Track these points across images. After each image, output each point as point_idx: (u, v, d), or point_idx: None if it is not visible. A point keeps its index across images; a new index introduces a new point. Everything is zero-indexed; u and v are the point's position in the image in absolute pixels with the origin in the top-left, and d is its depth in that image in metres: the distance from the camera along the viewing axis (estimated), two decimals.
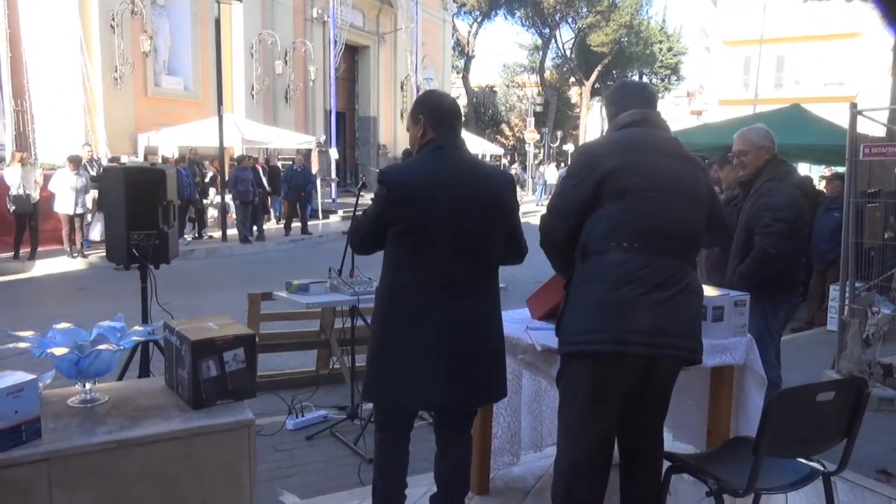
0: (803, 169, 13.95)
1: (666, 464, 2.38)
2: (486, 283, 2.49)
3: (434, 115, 2.49)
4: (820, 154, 8.94)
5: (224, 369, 2.21)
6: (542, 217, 2.40)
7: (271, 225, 15.77)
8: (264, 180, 14.16)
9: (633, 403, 2.29)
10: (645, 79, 44.86)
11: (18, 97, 14.31)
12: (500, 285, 3.98)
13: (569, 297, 2.28)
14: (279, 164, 16.56)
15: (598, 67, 41.66)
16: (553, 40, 43.28)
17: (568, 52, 44.34)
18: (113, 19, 14.92)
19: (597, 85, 44.55)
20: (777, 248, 3.32)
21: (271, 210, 16.25)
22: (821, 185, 8.65)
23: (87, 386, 2.21)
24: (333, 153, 19.08)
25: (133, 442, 1.99)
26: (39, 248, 10.90)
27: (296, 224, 14.89)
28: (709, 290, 2.85)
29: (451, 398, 2.44)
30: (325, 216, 17.39)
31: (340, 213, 18.01)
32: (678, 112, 45.22)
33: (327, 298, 3.68)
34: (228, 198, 13.64)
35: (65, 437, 1.95)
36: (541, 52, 43.74)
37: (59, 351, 2.08)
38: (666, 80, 45.01)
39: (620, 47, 41.61)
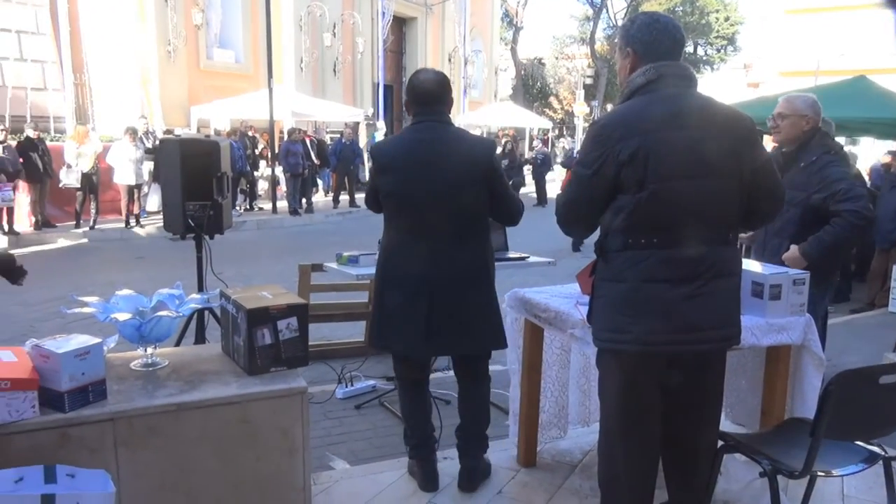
0: (866, 144, 13.37)
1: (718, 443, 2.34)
2: (466, 241, 2.71)
3: (412, 93, 2.77)
4: (886, 128, 8.53)
5: (278, 337, 2.26)
6: (558, 206, 2.21)
7: (319, 197, 15.95)
8: (313, 153, 14.29)
9: (673, 397, 2.17)
10: (700, 50, 43.51)
11: (77, 71, 14.73)
12: (548, 260, 4.01)
13: (595, 290, 2.18)
14: (327, 137, 16.68)
15: None
16: (605, 10, 42.21)
17: (619, 22, 43.17)
18: None
19: None
20: (869, 210, 3.20)
21: (319, 182, 16.42)
22: (887, 160, 8.26)
23: (149, 350, 2.30)
24: (381, 126, 19.13)
25: (192, 405, 2.06)
26: (99, 218, 11.29)
27: (344, 197, 15.03)
28: (760, 267, 2.77)
29: (430, 349, 2.82)
30: None
31: None
32: (735, 84, 43.70)
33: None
34: (279, 170, 13.82)
35: (128, 399, 2.03)
36: (592, 23, 42.74)
37: (122, 316, 2.16)
38: (722, 50, 43.54)
39: (675, 17, 40.25)
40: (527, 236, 2.96)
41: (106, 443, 1.96)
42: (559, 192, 2.38)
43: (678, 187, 1.97)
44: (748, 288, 2.58)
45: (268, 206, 13.84)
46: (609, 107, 40.94)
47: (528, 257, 3.89)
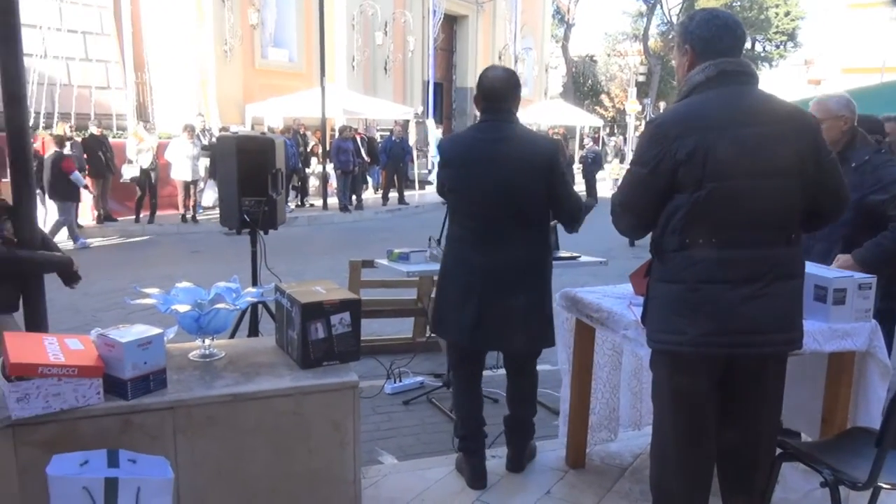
0: None
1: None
2: (521, 239, 2.75)
3: (481, 90, 2.83)
4: None
5: (331, 332, 2.29)
6: (614, 206, 2.19)
7: (369, 194, 16.11)
8: (363, 151, 14.44)
9: (730, 402, 2.10)
10: (758, 46, 42.29)
11: (139, 70, 15.22)
12: (600, 260, 3.96)
13: (650, 290, 2.13)
14: (377, 134, 16.83)
15: None
16: (659, 6, 41.38)
17: (675, 19, 42.29)
18: None
19: None
20: None
21: (369, 180, 16.59)
22: None
23: (206, 342, 2.35)
24: (430, 124, 19.20)
25: (248, 396, 2.10)
26: (157, 213, 11.64)
27: (393, 194, 15.15)
28: (826, 271, 2.67)
29: (477, 342, 2.85)
30: (422, 187, 17.58)
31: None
32: (795, 81, 42.34)
33: (427, 267, 3.72)
34: (330, 167, 14.02)
35: (187, 389, 2.09)
36: (645, 19, 41.98)
37: (182, 308, 2.22)
38: (781, 46, 42.22)
39: (732, 12, 39.21)
40: (577, 235, 2.93)
41: (165, 430, 2.02)
42: (614, 191, 2.37)
43: (739, 186, 1.92)
44: (811, 291, 2.50)
45: (318, 202, 14.05)
46: (662, 105, 40.16)
47: (579, 257, 3.85)
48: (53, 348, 1.96)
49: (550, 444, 3.21)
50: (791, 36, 41.91)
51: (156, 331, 2.06)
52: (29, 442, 1.88)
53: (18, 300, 3.17)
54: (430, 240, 3.82)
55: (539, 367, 3.03)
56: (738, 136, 1.92)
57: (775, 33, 41.29)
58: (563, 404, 3.10)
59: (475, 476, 2.88)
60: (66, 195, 9.56)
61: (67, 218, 9.68)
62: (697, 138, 1.92)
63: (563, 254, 3.82)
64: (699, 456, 2.12)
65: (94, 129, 11.30)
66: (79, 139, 11.04)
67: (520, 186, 2.70)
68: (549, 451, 3.14)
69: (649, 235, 2.15)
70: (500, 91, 2.78)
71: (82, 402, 1.92)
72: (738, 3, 39.45)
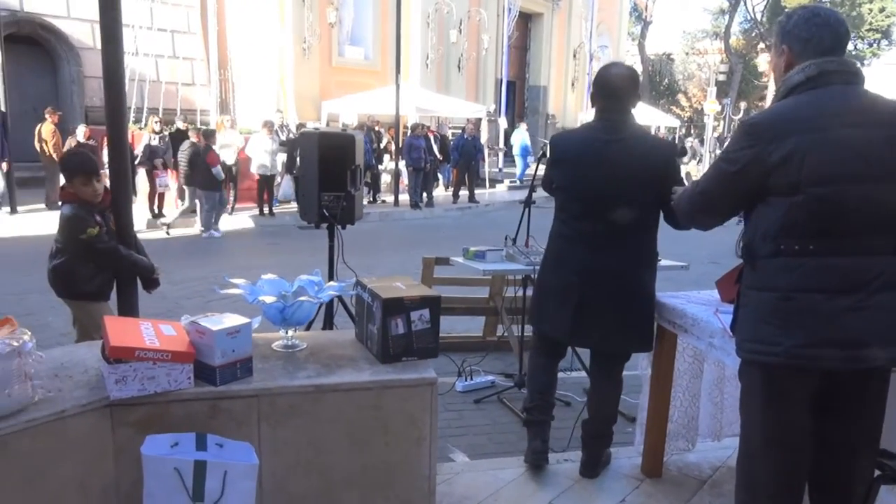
0: None
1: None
2: (627, 241, 2.73)
3: (598, 87, 2.79)
4: None
5: (411, 328, 2.30)
6: (690, 195, 2.13)
7: (439, 192, 16.19)
8: (435, 148, 14.51)
9: (825, 418, 1.99)
10: (850, 44, 40.22)
11: (222, 67, 15.77)
12: (681, 264, 3.84)
13: (741, 298, 2.03)
14: (449, 132, 16.90)
15: None
16: (743, 2, 39.91)
17: (759, 16, 40.72)
18: None
19: None
20: None
21: (440, 177, 16.67)
22: None
23: (290, 333, 2.41)
24: (502, 122, 19.14)
25: (329, 388, 2.14)
26: (236, 205, 12.03)
27: (463, 192, 15.17)
28: None
29: (575, 339, 2.91)
30: (492, 185, 17.54)
31: (507, 182, 18.08)
32: (889, 81, 40.06)
33: (503, 266, 3.71)
34: (401, 164, 14.16)
35: (271, 378, 2.14)
36: (727, 16, 40.57)
37: (268, 299, 2.28)
38: (874, 44, 40.03)
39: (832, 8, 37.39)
40: (668, 239, 2.87)
41: (250, 417, 2.08)
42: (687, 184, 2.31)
43: (842, 191, 1.81)
44: None
45: (390, 198, 14.22)
46: (742, 105, 38.78)
47: (659, 260, 3.74)
48: (149, 333, 2.05)
49: (625, 450, 3.14)
50: (885, 33, 39.65)
51: (244, 320, 2.12)
52: (125, 422, 1.97)
53: (112, 289, 3.35)
54: (506, 239, 3.80)
55: None
56: (841, 138, 1.82)
57: (868, 30, 39.17)
58: (642, 412, 3.02)
59: (535, 452, 2.93)
60: (208, 185, 10.11)
61: (212, 205, 10.30)
62: (795, 141, 1.83)
63: None
64: (790, 475, 2.01)
65: (179, 124, 11.77)
66: (167, 133, 11.54)
67: (633, 189, 2.66)
68: (623, 458, 3.07)
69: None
70: (620, 89, 2.72)
71: (174, 386, 2.00)
72: (828, 0, 37.66)
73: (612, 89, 2.73)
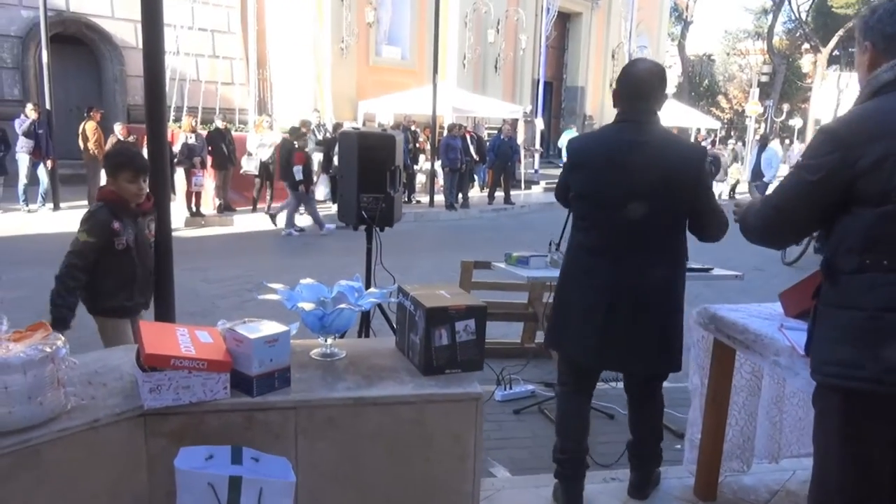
0: None
1: None
2: (656, 254, 2.52)
3: (621, 85, 2.58)
4: None
5: (455, 339, 2.19)
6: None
7: (474, 192, 16.07)
8: (472, 149, 14.40)
9: None
10: None
11: (261, 67, 15.89)
12: (735, 273, 3.66)
13: (818, 316, 1.87)
14: (485, 133, 16.78)
15: (840, 32, 36.82)
16: (787, 1, 38.97)
17: (803, 15, 39.73)
18: None
19: (836, 52, 39.51)
20: None
21: (475, 178, 16.55)
22: None
23: (329, 341, 2.32)
24: (539, 123, 18.94)
25: (369, 401, 2.04)
26: (273, 204, 12.07)
27: (499, 193, 15.03)
28: None
29: (602, 361, 2.64)
30: (528, 186, 17.36)
31: (543, 183, 17.88)
32: None
33: (547, 273, 3.57)
34: (437, 164, 14.08)
35: (310, 389, 2.05)
36: (771, 16, 39.65)
37: (308, 306, 2.19)
38: None
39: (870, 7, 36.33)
40: (704, 244, 2.70)
41: (288, 430, 1.99)
42: (733, 199, 2.12)
43: None
44: None
45: (425, 199, 14.14)
46: (785, 107, 37.87)
47: (711, 269, 3.57)
48: (185, 340, 1.97)
49: (675, 469, 2.98)
50: None
51: (282, 328, 2.03)
52: (158, 432, 1.90)
53: (144, 306, 3.28)
54: (550, 244, 3.66)
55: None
56: None
57: None
58: (691, 427, 2.87)
59: None
60: (295, 184, 10.41)
61: (294, 204, 10.63)
62: (886, 145, 1.66)
63: (693, 265, 3.56)
64: None
65: (218, 123, 11.86)
66: (203, 132, 11.63)
67: (660, 196, 2.45)
68: (673, 478, 2.92)
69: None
70: (645, 87, 2.51)
71: (209, 397, 1.92)
72: None
73: (638, 87, 2.52)
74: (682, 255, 2.62)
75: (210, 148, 11.40)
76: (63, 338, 1.81)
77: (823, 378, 1.81)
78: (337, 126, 13.09)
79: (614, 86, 2.65)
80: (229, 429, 1.94)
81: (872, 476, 1.78)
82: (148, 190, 3.15)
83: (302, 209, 11.01)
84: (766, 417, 2.88)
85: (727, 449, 2.82)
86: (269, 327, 2.03)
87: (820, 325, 1.84)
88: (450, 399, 2.09)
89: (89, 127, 11.55)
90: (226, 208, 11.87)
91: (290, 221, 10.56)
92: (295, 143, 10.62)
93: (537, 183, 18.01)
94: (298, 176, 10.30)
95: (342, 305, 2.24)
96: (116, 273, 3.08)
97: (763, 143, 14.18)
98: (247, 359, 1.95)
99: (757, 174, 13.81)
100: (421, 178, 15.28)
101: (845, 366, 1.73)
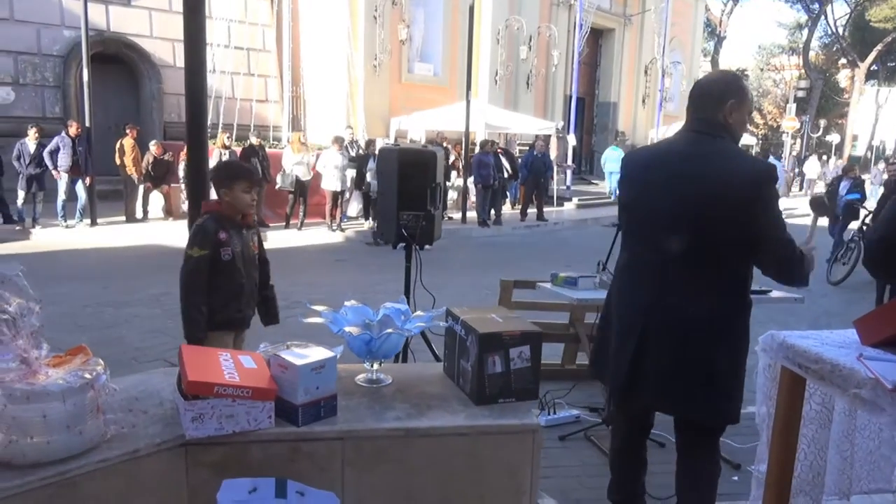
0: None
1: None
2: (702, 284, 2.28)
3: (690, 95, 2.43)
4: None
5: (509, 366, 2.07)
6: (881, 243, 1.80)
7: (506, 209, 15.94)
8: (506, 165, 14.27)
9: None
10: None
11: (295, 84, 16.04)
12: (795, 296, 3.48)
13: None
14: (517, 149, 16.67)
15: (878, 47, 36.14)
16: (823, 16, 38.36)
17: (840, 30, 39.07)
18: (376, 10, 16.03)
19: (874, 67, 38.77)
20: None
21: (507, 194, 16.42)
22: None
23: (375, 366, 2.21)
24: (571, 139, 18.80)
25: (420, 432, 1.92)
26: (305, 220, 12.10)
27: (531, 210, 14.88)
28: None
29: (632, 397, 2.42)
30: (560, 203, 17.19)
31: (575, 200, 17.68)
32: None
33: (597, 295, 3.42)
34: (470, 181, 14.00)
35: (358, 419, 1.94)
36: (807, 30, 39.09)
37: (354, 330, 2.08)
38: None
39: None
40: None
41: (334, 462, 1.88)
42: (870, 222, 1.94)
43: None
44: None
45: (457, 215, 14.05)
46: (822, 123, 37.13)
47: (769, 291, 3.39)
48: (228, 366, 1.88)
49: None
50: None
51: (329, 353, 1.93)
52: (200, 462, 1.80)
53: (248, 316, 3.31)
54: (598, 264, 3.52)
55: None
56: None
57: None
58: (760, 465, 2.68)
59: None
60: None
61: None
62: None
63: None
64: None
65: (253, 140, 11.95)
66: (236, 149, 11.72)
67: (708, 216, 2.22)
68: None
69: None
70: (706, 96, 2.34)
71: (253, 426, 1.82)
72: None
73: (697, 95, 2.36)
74: (738, 284, 2.34)
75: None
76: (103, 363, 1.73)
77: None
78: (369, 143, 13.10)
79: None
80: (273, 460, 1.84)
81: None
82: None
83: None
84: (837, 451, 2.68)
85: (795, 484, 2.62)
86: (316, 353, 1.93)
87: None
88: (505, 431, 1.97)
89: (127, 144, 11.71)
90: (259, 224, 11.86)
91: None
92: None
93: (570, 199, 17.82)
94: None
95: (389, 330, 2.14)
96: (226, 286, 3.11)
97: (800, 161, 13.72)
98: (292, 386, 1.85)
99: None
100: (452, 195, 15.20)
101: None
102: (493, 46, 18.90)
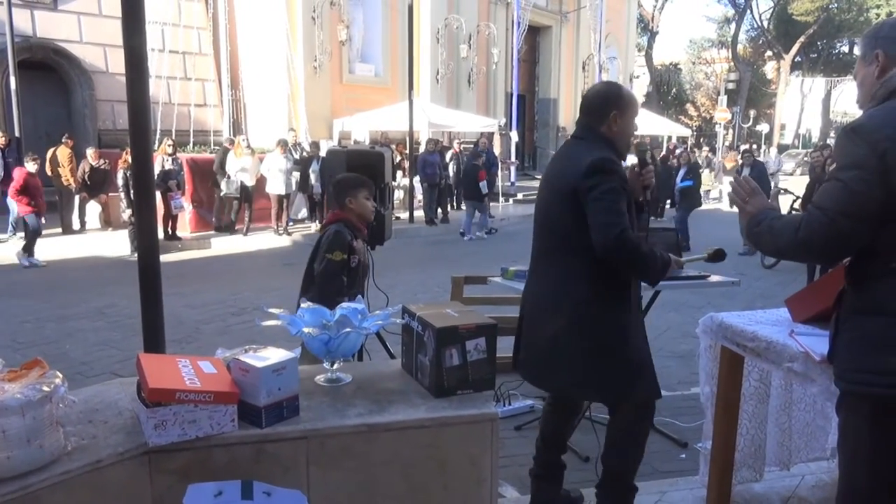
0: None
1: None
2: (554, 264, 2.58)
3: None
4: None
5: (466, 358, 2.13)
6: (819, 228, 1.85)
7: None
8: (451, 168, 14.36)
9: None
10: (857, 49, 40.07)
11: (234, 87, 15.77)
12: (732, 280, 3.65)
13: (842, 322, 1.84)
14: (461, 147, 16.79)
15: (801, 39, 37.80)
16: (748, 10, 39.89)
17: (765, 23, 40.68)
18: (314, 11, 15.90)
19: (798, 58, 40.50)
20: None
21: (454, 193, 16.52)
22: None
23: (335, 366, 2.24)
24: (514, 136, 19.04)
25: (382, 427, 1.97)
26: (251, 226, 11.93)
27: None
28: None
29: (520, 372, 2.78)
30: (506, 199, 17.40)
31: (520, 195, 17.93)
32: None
33: None
34: (416, 180, 14.04)
35: (320, 417, 1.97)
36: (734, 24, 40.54)
37: (313, 331, 2.11)
38: None
39: (828, 15, 37.45)
40: (693, 249, 2.65)
41: (299, 461, 1.91)
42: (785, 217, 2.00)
43: None
44: None
45: (404, 215, 14.08)
46: (752, 113, 38.58)
47: (708, 276, 3.56)
48: (188, 372, 1.89)
49: (686, 482, 2.94)
50: None
51: (291, 355, 1.96)
52: (164, 469, 1.81)
53: None
54: None
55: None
56: None
57: None
58: (706, 442, 2.82)
59: None
60: (474, 196, 12.40)
61: (471, 214, 12.57)
62: None
63: (690, 272, 3.54)
64: None
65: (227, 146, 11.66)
66: (181, 155, 11.48)
67: (552, 207, 2.57)
68: (685, 489, 2.88)
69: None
70: (590, 108, 2.62)
71: (217, 430, 1.83)
72: (835, 5, 37.57)
73: (584, 108, 2.66)
74: (593, 272, 2.46)
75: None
76: (61, 375, 1.72)
77: (850, 386, 1.78)
78: (314, 145, 13.00)
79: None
80: (238, 463, 1.86)
81: None
82: None
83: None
84: (776, 424, 2.85)
85: (739, 458, 2.78)
86: (276, 354, 1.96)
87: (844, 332, 1.81)
88: (465, 421, 2.03)
89: (63, 154, 11.33)
90: (173, 238, 11.28)
91: (469, 227, 12.50)
92: (477, 161, 12.46)
93: (515, 195, 18.05)
94: (485, 190, 12.25)
95: (347, 329, 2.18)
96: (347, 292, 3.23)
97: (739, 150, 13.98)
98: (254, 389, 1.87)
99: None
100: (399, 195, 15.22)
101: (876, 372, 1.70)
102: (434, 45, 18.98)
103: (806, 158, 28.71)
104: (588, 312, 2.48)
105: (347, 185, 3.37)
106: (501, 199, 17.08)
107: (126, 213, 10.12)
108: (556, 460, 2.87)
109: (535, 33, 24.18)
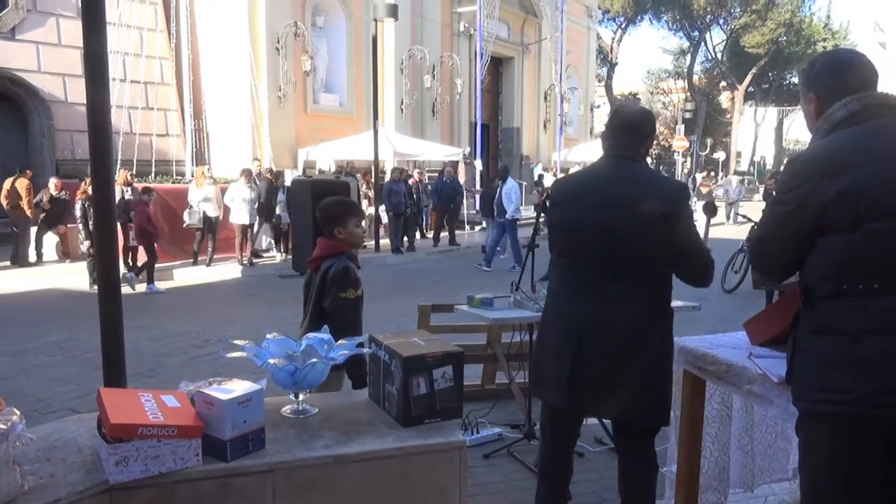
0: None
1: None
2: (628, 292, 2.48)
3: (608, 125, 2.69)
4: None
5: (433, 387, 2.14)
6: (753, 243, 2.05)
7: (417, 235, 16.07)
8: (417, 194, 14.41)
9: (891, 483, 1.84)
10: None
11: (197, 117, 15.65)
12: (693, 304, 3.73)
13: (798, 344, 1.90)
14: (426, 176, 16.89)
15: (753, 70, 39.18)
16: (703, 43, 41.25)
17: (719, 55, 42.10)
18: (278, 42, 15.92)
19: (751, 89, 41.91)
20: None
21: (420, 222, 16.58)
22: None
23: (301, 397, 2.22)
24: (478, 164, 19.23)
25: (350, 458, 1.95)
26: (214, 256, 11.77)
27: (444, 234, 15.08)
28: None
29: (573, 405, 2.58)
30: (472, 227, 17.50)
31: (485, 223, 18.04)
32: None
33: (513, 314, 3.55)
34: (382, 209, 14.05)
35: (286, 449, 1.95)
36: (689, 56, 41.86)
37: (279, 362, 2.10)
38: None
39: (778, 47, 38.93)
40: None
41: (265, 494, 1.88)
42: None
43: None
44: None
45: (370, 244, 14.05)
46: (709, 141, 39.68)
47: None
48: (151, 406, 1.85)
49: None
50: None
51: (256, 387, 1.94)
52: None
53: None
54: (511, 285, 3.66)
55: None
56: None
57: None
58: (672, 465, 2.86)
59: None
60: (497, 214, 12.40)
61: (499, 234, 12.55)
62: (851, 176, 1.74)
63: None
64: None
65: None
66: (140, 185, 11.30)
67: (631, 232, 2.45)
68: None
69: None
70: (635, 130, 2.60)
71: (181, 465, 1.80)
72: (784, 38, 39.08)
73: (627, 128, 2.60)
74: (661, 295, 2.54)
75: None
76: (18, 413, 1.68)
77: (809, 405, 1.83)
78: (277, 174, 12.93)
79: (605, 128, 2.72)
80: (202, 498, 1.82)
81: (863, 494, 1.80)
82: None
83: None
84: (738, 446, 2.91)
85: (703, 481, 2.82)
86: (240, 386, 1.93)
87: (801, 352, 1.87)
88: (433, 450, 2.03)
89: (21, 185, 11.08)
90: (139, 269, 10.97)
91: (492, 252, 12.47)
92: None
93: (480, 223, 18.16)
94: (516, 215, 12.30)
95: (313, 359, 2.16)
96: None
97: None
98: (219, 422, 1.84)
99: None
100: (364, 224, 15.20)
101: (833, 390, 1.76)
102: (398, 76, 19.15)
103: (758, 183, 29.56)
104: (657, 337, 2.53)
105: (335, 214, 3.17)
106: (467, 226, 17.19)
107: (84, 245, 9.90)
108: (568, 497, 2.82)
109: (497, 64, 24.59)
